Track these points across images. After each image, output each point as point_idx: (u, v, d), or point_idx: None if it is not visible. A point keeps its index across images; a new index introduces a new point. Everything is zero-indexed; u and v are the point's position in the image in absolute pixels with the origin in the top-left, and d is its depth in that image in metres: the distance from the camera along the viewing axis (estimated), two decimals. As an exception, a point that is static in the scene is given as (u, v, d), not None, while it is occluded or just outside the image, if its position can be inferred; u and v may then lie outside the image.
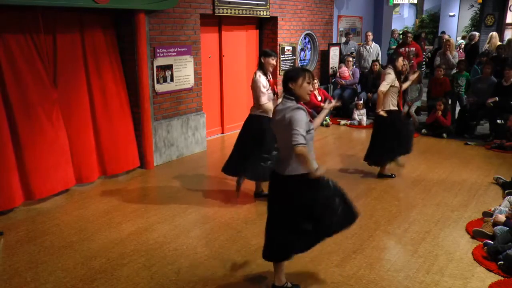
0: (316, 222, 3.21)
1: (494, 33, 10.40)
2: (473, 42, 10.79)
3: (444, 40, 9.91)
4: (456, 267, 3.77)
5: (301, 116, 3.03)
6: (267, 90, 4.83)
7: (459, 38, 14.19)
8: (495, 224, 4.28)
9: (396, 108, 5.69)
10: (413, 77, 6.31)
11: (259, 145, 4.85)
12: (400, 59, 5.62)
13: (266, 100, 4.82)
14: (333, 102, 3.87)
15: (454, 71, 9.14)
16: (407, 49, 9.50)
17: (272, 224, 3.32)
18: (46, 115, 5.04)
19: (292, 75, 3.16)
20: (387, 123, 5.69)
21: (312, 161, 3.04)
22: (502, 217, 4.32)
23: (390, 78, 5.52)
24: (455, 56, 9.36)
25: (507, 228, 4.06)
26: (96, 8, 5.28)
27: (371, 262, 3.83)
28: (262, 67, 4.89)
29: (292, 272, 3.63)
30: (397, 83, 5.58)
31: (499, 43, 10.15)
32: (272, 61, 4.87)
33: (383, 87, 5.51)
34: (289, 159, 3.10)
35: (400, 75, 5.69)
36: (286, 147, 3.10)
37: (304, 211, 3.17)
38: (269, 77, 4.92)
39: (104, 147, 5.74)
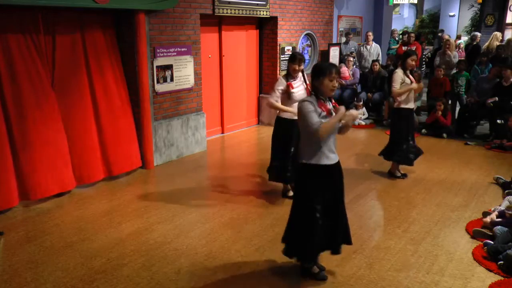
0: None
1: (495, 34, 10.42)
2: (475, 43, 10.79)
3: (444, 40, 9.92)
4: (456, 267, 3.77)
5: (305, 108, 3.21)
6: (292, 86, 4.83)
7: (465, 38, 14.20)
8: (494, 224, 4.29)
9: (410, 107, 5.71)
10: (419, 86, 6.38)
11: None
12: (409, 59, 5.62)
13: (273, 99, 4.85)
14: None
15: (454, 71, 9.15)
16: (408, 48, 9.54)
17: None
18: (45, 117, 5.02)
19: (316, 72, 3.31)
20: (401, 120, 5.75)
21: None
22: (493, 217, 4.39)
23: (397, 76, 5.57)
24: (455, 56, 9.37)
25: (507, 228, 4.07)
26: (96, 8, 5.28)
27: (371, 262, 3.83)
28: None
29: (292, 272, 3.64)
30: (407, 80, 5.60)
31: (497, 42, 10.15)
32: (294, 65, 4.84)
33: (395, 87, 5.57)
34: (302, 147, 3.37)
35: (411, 72, 5.69)
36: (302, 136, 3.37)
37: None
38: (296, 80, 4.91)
39: (108, 147, 5.73)
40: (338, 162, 3.45)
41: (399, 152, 5.83)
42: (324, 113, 3.25)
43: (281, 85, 4.81)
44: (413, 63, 5.63)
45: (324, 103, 3.31)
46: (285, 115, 4.91)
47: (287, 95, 4.82)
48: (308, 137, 3.26)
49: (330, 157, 3.34)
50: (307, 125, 3.21)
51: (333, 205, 3.42)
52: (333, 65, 3.34)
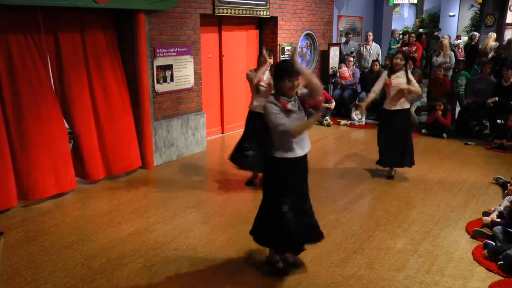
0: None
1: (490, 34, 10.44)
2: (473, 43, 10.80)
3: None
4: (456, 267, 3.77)
5: (270, 109, 3.29)
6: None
7: (465, 38, 14.20)
8: (494, 224, 4.29)
9: (388, 108, 5.62)
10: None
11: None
12: (393, 58, 5.61)
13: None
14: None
15: (451, 72, 9.14)
16: (409, 48, 9.57)
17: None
18: (44, 117, 5.01)
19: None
20: (379, 120, 5.83)
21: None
22: (493, 216, 4.39)
23: (381, 77, 5.63)
24: (451, 55, 9.31)
25: (507, 229, 4.07)
26: (96, 8, 5.28)
27: (371, 262, 3.83)
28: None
29: (291, 272, 3.64)
30: (400, 80, 5.51)
31: (493, 43, 10.14)
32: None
33: (375, 87, 5.67)
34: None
35: (393, 72, 5.55)
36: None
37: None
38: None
39: (108, 147, 5.73)
40: (305, 156, 3.48)
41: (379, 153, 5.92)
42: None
43: (253, 78, 5.18)
44: (397, 61, 5.48)
45: (282, 101, 3.32)
46: (255, 109, 5.25)
47: (255, 89, 5.22)
48: (277, 134, 3.33)
49: (296, 152, 3.38)
50: (275, 125, 3.27)
51: (300, 201, 3.52)
52: (290, 67, 3.31)
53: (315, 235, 3.65)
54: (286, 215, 3.39)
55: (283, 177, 3.42)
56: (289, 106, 3.32)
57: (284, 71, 3.29)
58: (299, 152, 3.39)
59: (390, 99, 5.60)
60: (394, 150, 5.71)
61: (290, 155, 3.36)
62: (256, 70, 5.27)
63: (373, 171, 6.16)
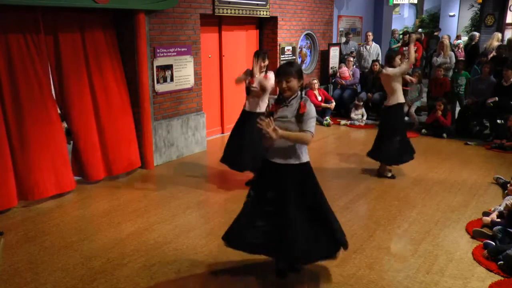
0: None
1: (495, 34, 10.42)
2: (474, 43, 10.80)
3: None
4: (456, 267, 3.77)
5: None
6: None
7: (465, 38, 14.19)
8: (494, 224, 4.29)
9: (387, 104, 5.74)
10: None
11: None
12: (397, 57, 5.64)
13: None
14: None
15: (451, 73, 9.13)
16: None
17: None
18: (44, 118, 5.00)
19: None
20: (395, 116, 5.75)
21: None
22: (493, 216, 4.39)
23: (401, 67, 5.61)
24: (451, 55, 9.30)
25: (507, 229, 4.07)
26: (96, 8, 5.28)
27: (371, 262, 3.83)
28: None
29: (291, 272, 3.64)
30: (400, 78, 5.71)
31: (496, 43, 10.13)
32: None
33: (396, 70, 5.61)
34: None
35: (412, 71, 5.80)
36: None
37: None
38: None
39: (108, 147, 5.73)
40: (284, 166, 3.31)
41: (382, 150, 5.93)
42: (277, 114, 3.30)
43: (242, 77, 5.33)
44: (398, 61, 5.62)
45: (276, 104, 3.32)
46: (247, 108, 5.41)
47: (247, 89, 5.36)
48: None
49: (272, 156, 3.35)
50: None
51: (276, 209, 3.35)
52: (283, 67, 3.28)
53: (295, 253, 3.29)
54: (246, 204, 3.48)
55: (257, 174, 3.59)
56: (280, 110, 3.27)
57: (276, 73, 3.34)
58: (275, 158, 3.31)
59: (388, 94, 5.74)
60: (406, 145, 5.88)
61: (267, 156, 3.38)
62: (251, 70, 5.30)
63: (373, 171, 6.16)
